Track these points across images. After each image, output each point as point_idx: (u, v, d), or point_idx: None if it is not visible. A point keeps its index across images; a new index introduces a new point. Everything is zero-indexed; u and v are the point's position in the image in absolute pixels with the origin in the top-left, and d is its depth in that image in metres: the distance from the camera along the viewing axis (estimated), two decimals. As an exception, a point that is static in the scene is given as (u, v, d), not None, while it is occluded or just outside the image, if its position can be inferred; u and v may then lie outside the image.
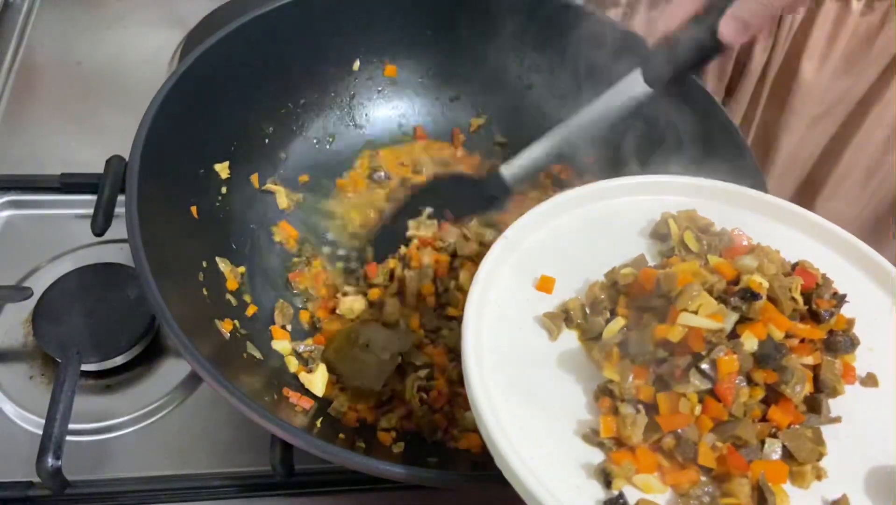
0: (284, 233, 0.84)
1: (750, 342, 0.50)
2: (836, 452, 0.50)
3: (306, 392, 0.72)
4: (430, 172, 0.91)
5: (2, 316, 0.80)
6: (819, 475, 0.50)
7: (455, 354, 0.76)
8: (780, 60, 1.08)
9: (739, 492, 0.47)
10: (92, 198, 0.79)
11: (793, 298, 0.53)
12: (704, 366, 0.48)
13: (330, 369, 0.74)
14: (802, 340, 0.52)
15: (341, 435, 0.68)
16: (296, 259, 0.83)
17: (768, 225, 0.64)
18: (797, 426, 0.50)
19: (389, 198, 0.89)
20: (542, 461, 0.49)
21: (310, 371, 0.74)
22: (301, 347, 0.76)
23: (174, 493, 0.70)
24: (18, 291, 0.78)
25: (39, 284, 0.80)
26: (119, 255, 0.84)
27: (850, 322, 0.55)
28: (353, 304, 0.78)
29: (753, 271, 0.53)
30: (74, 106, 1.02)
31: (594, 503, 0.47)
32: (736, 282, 0.53)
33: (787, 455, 0.49)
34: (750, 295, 0.50)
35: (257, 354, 0.73)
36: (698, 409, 0.49)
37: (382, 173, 0.90)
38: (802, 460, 0.49)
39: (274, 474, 0.65)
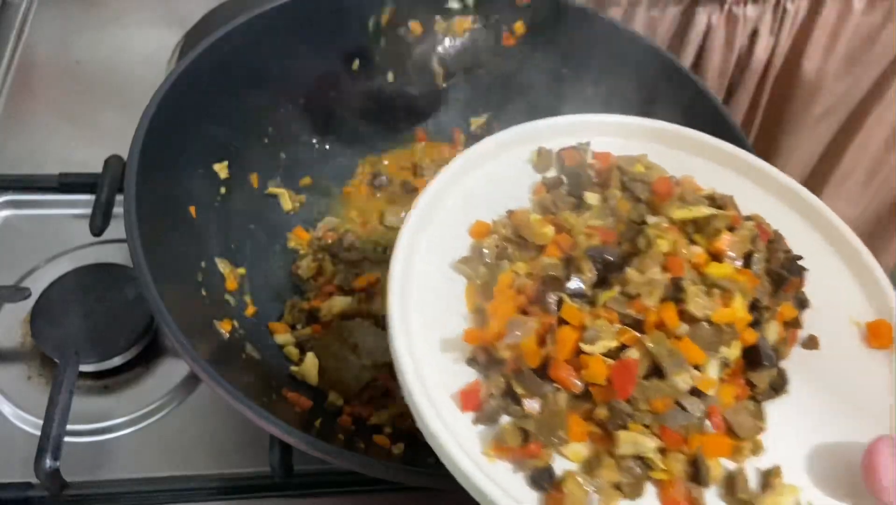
0: (298, 238, 0.85)
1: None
2: (775, 424, 0.49)
3: (305, 392, 0.71)
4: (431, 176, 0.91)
5: (0, 316, 0.80)
6: (756, 450, 0.48)
7: None
8: (782, 60, 1.08)
9: (673, 466, 0.46)
10: (90, 198, 0.78)
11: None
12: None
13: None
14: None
15: (340, 435, 0.68)
16: (302, 253, 0.83)
17: (728, 177, 0.62)
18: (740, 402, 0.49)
19: (390, 201, 0.89)
20: (464, 424, 0.47)
21: (300, 362, 0.74)
22: (298, 338, 0.76)
23: (173, 494, 0.69)
24: (16, 292, 0.77)
25: (37, 285, 0.79)
26: (117, 255, 0.83)
27: (800, 282, 0.54)
28: (333, 303, 0.78)
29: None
30: (73, 105, 1.01)
31: (523, 478, 0.45)
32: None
33: (728, 430, 0.48)
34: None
35: (256, 355, 0.73)
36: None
37: (384, 178, 0.90)
38: (742, 436, 0.48)
39: (273, 475, 0.65)
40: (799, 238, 0.57)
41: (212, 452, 0.73)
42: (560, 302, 0.49)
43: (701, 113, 0.79)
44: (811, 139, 1.20)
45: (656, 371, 0.47)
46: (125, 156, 0.68)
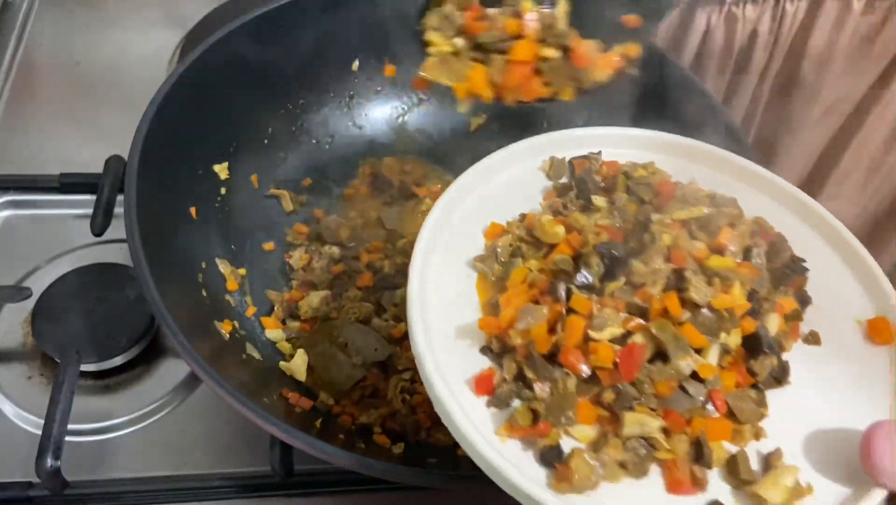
0: (296, 233, 0.85)
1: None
2: (777, 412, 0.51)
3: (305, 393, 0.72)
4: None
5: (1, 316, 0.80)
6: (758, 435, 0.51)
7: None
8: (781, 60, 1.08)
9: (677, 447, 0.48)
10: (91, 198, 0.79)
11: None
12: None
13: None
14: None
15: (340, 436, 0.68)
16: (296, 244, 0.84)
17: (731, 183, 0.65)
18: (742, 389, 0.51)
19: (390, 203, 0.89)
20: (478, 407, 0.50)
21: (291, 357, 0.74)
22: (289, 333, 0.77)
23: (173, 493, 0.70)
24: (17, 291, 0.78)
25: (39, 285, 0.79)
26: (118, 255, 0.83)
27: (803, 281, 0.56)
28: (310, 299, 0.78)
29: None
30: (73, 106, 1.02)
31: (533, 456, 0.48)
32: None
33: (730, 414, 0.50)
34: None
35: (256, 355, 0.73)
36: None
37: (384, 180, 0.90)
38: (744, 421, 0.50)
39: (273, 475, 0.65)
40: (801, 240, 0.59)
41: (212, 451, 0.73)
42: (569, 293, 0.52)
43: (700, 113, 0.79)
44: (811, 139, 1.20)
45: (660, 356, 0.50)
46: (126, 156, 0.68)
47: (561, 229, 0.57)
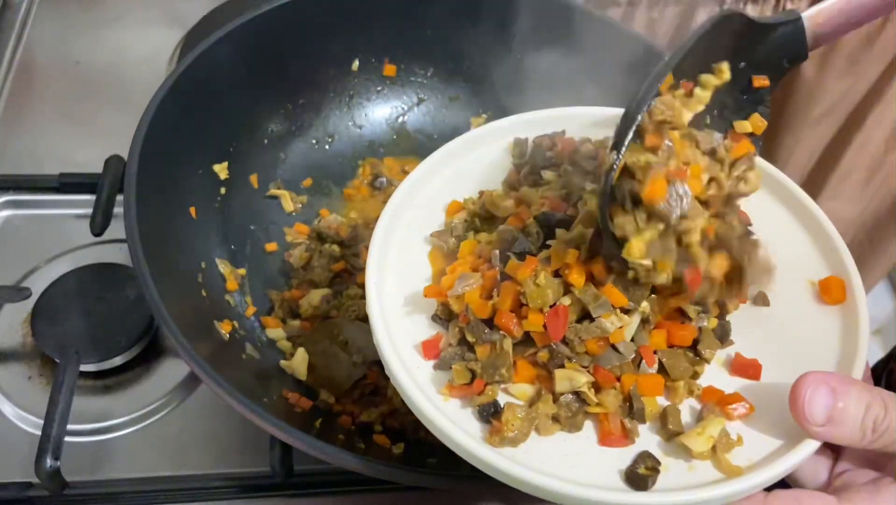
0: (296, 233, 0.85)
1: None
2: (714, 370, 0.53)
3: (305, 393, 0.71)
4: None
5: (1, 316, 0.80)
6: (692, 391, 0.52)
7: None
8: (781, 60, 1.08)
9: (609, 402, 0.50)
10: (91, 198, 0.79)
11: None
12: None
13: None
14: None
15: (340, 436, 0.68)
16: (296, 242, 0.84)
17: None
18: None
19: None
20: (425, 371, 0.53)
21: (291, 355, 0.74)
22: (290, 332, 0.76)
23: (173, 493, 0.70)
24: (17, 292, 0.77)
25: (38, 285, 0.79)
26: (118, 255, 0.83)
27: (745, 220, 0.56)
28: (311, 297, 0.78)
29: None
30: (73, 106, 1.02)
31: (472, 413, 0.51)
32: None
33: (662, 371, 0.52)
34: None
35: (256, 355, 0.73)
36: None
37: (384, 179, 0.90)
38: (675, 377, 0.52)
39: (273, 475, 0.65)
40: (757, 202, 0.59)
41: (212, 451, 0.73)
42: (506, 259, 0.54)
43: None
44: (811, 139, 1.20)
45: (587, 317, 0.52)
46: (125, 156, 0.68)
47: (511, 203, 0.60)
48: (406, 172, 0.91)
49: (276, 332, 0.76)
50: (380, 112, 0.94)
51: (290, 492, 0.71)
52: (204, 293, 0.73)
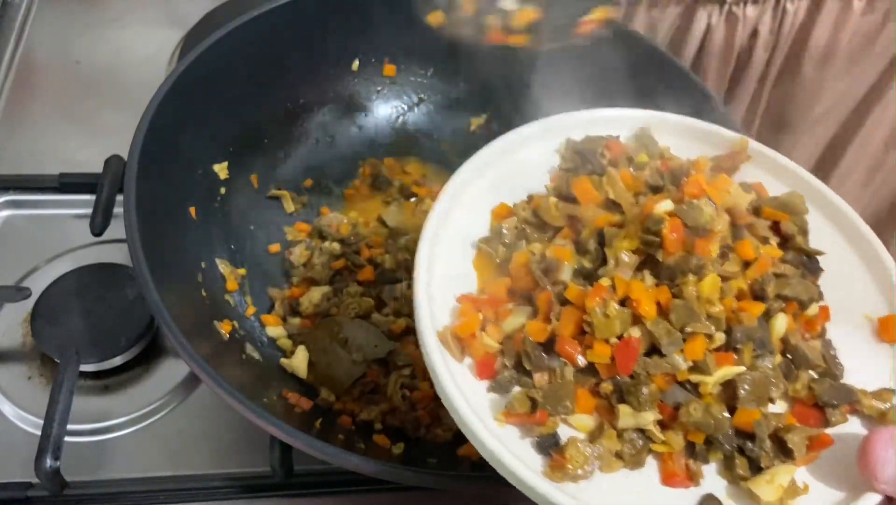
0: (297, 232, 0.85)
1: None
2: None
3: (305, 393, 0.71)
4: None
5: (0, 316, 0.80)
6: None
7: None
8: (782, 60, 1.08)
9: (675, 441, 0.48)
10: (91, 198, 0.78)
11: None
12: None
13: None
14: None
15: (340, 436, 0.68)
16: (297, 240, 0.84)
17: (750, 171, 0.62)
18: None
19: (390, 203, 0.89)
20: (479, 391, 0.50)
21: (292, 354, 0.74)
22: (290, 330, 0.77)
23: (173, 493, 0.70)
24: (17, 291, 0.77)
25: (38, 285, 0.79)
26: (118, 255, 0.83)
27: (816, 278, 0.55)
28: (311, 295, 0.78)
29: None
30: (73, 105, 1.02)
31: (530, 443, 0.48)
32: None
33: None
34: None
35: (256, 355, 0.73)
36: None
37: (385, 179, 0.90)
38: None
39: (273, 475, 0.65)
40: (817, 232, 0.58)
41: (212, 451, 0.73)
42: (565, 284, 0.51)
43: (701, 113, 0.79)
44: (811, 139, 1.20)
45: (656, 351, 0.49)
46: (125, 156, 0.68)
47: (565, 213, 0.56)
48: (406, 172, 0.92)
49: (276, 330, 0.76)
50: (380, 112, 0.94)
51: (290, 492, 0.71)
52: (204, 293, 0.72)
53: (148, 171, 0.67)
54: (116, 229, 0.73)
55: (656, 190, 0.56)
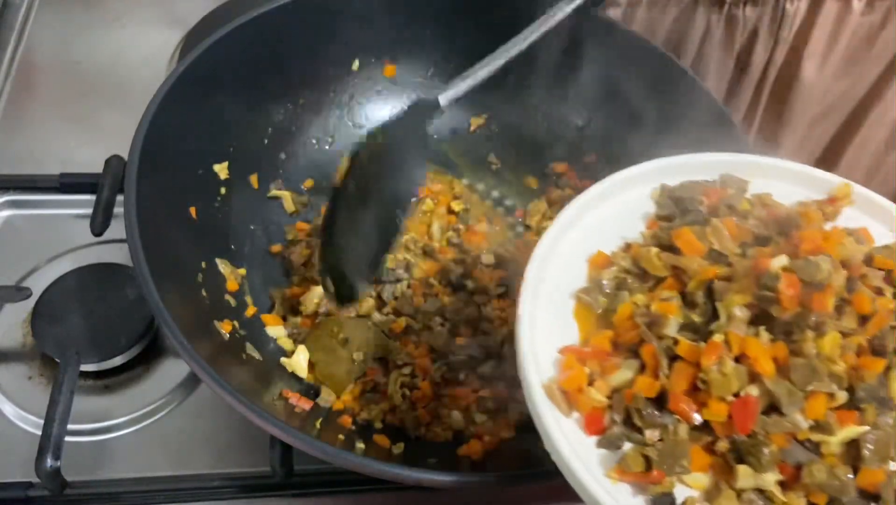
0: (297, 231, 0.85)
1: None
2: None
3: (305, 393, 0.72)
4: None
5: (1, 316, 0.80)
6: None
7: (437, 354, 0.75)
8: (781, 60, 1.08)
9: (795, 501, 0.47)
10: (91, 198, 0.78)
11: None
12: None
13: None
14: None
15: (341, 436, 0.68)
16: (297, 240, 0.84)
17: (853, 214, 0.62)
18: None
19: None
20: (588, 447, 0.49)
21: (292, 353, 0.74)
22: (290, 330, 0.77)
23: (173, 493, 0.70)
24: (17, 292, 0.77)
25: (38, 285, 0.79)
26: (118, 255, 0.83)
27: None
28: (312, 294, 0.78)
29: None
30: (73, 105, 1.02)
31: (644, 502, 0.47)
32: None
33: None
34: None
35: (256, 355, 0.73)
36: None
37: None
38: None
39: (273, 475, 0.65)
40: None
41: (212, 451, 0.73)
42: (674, 339, 0.50)
43: (701, 113, 0.79)
44: (811, 139, 1.20)
45: (774, 408, 0.48)
46: (126, 156, 0.68)
47: (668, 264, 0.55)
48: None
49: (276, 329, 0.76)
50: (380, 112, 0.94)
51: (290, 492, 0.71)
52: (204, 293, 0.73)
53: (148, 171, 0.67)
54: (116, 229, 0.73)
55: (763, 241, 0.55)
